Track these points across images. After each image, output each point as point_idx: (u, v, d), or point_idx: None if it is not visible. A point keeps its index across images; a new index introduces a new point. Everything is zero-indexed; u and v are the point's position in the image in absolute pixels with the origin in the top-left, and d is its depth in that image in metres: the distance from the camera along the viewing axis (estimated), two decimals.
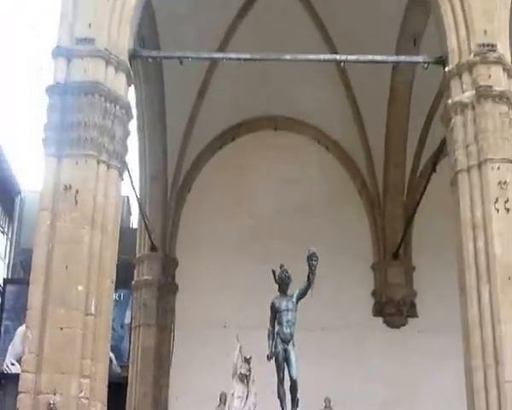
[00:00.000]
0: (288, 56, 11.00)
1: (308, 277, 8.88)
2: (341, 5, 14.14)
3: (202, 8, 13.92)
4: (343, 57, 11.89)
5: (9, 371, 14.41)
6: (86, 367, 8.24)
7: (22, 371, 8.18)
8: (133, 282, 15.79)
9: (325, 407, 14.22)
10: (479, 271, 9.21)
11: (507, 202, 9.22)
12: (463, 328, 9.37)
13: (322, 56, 12.01)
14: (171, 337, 15.32)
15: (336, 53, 13.79)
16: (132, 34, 10.09)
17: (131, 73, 10.03)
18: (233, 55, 11.60)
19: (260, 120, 16.55)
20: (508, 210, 9.21)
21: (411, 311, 15.67)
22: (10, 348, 15.01)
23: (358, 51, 11.54)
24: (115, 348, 17.89)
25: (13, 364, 14.52)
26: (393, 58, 12.28)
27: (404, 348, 14.94)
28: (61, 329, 8.19)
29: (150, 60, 11.88)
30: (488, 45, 9.80)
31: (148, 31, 13.53)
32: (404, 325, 15.64)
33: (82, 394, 8.09)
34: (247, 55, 10.95)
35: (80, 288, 8.42)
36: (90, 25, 9.49)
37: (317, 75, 14.12)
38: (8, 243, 23.21)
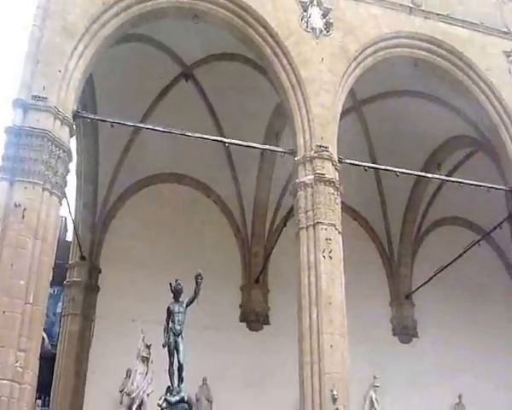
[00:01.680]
0: (189, 133, 11.14)
1: (195, 290, 8.95)
2: (229, 103, 14.54)
3: (133, 85, 13.78)
4: (228, 140, 12.25)
5: None
6: (22, 343, 7.98)
7: None
8: (65, 281, 15.13)
9: (202, 384, 14.26)
10: (311, 297, 9.72)
11: (331, 252, 9.85)
12: (299, 335, 9.77)
13: (213, 137, 12.16)
14: (92, 326, 14.67)
15: (224, 136, 13.87)
16: (76, 99, 10.02)
17: (74, 127, 9.93)
18: (150, 126, 11.65)
19: (168, 174, 16.34)
20: (331, 257, 9.82)
21: (266, 320, 15.94)
22: None
23: (239, 137, 11.93)
24: (48, 331, 16.79)
25: None
26: (260, 146, 12.59)
27: (260, 345, 15.08)
28: (4, 312, 7.95)
29: (88, 120, 11.73)
30: (323, 147, 10.54)
31: (88, 97, 13.32)
32: (261, 329, 15.84)
33: (18, 363, 7.83)
34: (161, 128, 11.05)
35: (22, 282, 8.21)
36: (44, 87, 9.34)
37: (208, 148, 13.67)
38: None
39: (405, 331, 17.03)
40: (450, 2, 13.05)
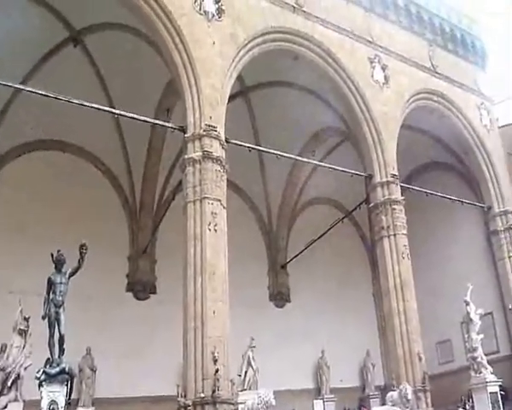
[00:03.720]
0: (75, 100, 10.29)
1: (79, 261, 8.30)
2: (120, 75, 13.66)
3: (14, 42, 12.14)
4: (118, 112, 11.45)
5: None
6: None
7: None
8: None
9: (86, 354, 13.65)
10: (196, 267, 9.77)
11: (216, 225, 9.98)
12: (184, 302, 9.77)
13: (102, 107, 11.36)
14: None
15: (113, 107, 12.77)
16: None
17: None
18: (30, 89, 10.50)
19: (52, 141, 14.79)
20: (216, 230, 9.96)
21: (153, 289, 15.63)
22: None
23: (129, 110, 11.23)
24: None
25: None
26: (151, 120, 12.11)
27: (147, 313, 14.70)
28: None
29: None
30: (212, 126, 10.56)
31: None
32: (148, 298, 15.49)
33: None
34: (43, 92, 9.99)
35: None
36: None
37: (97, 118, 12.51)
38: None
39: (280, 297, 18.10)
40: (327, 8, 14.10)
